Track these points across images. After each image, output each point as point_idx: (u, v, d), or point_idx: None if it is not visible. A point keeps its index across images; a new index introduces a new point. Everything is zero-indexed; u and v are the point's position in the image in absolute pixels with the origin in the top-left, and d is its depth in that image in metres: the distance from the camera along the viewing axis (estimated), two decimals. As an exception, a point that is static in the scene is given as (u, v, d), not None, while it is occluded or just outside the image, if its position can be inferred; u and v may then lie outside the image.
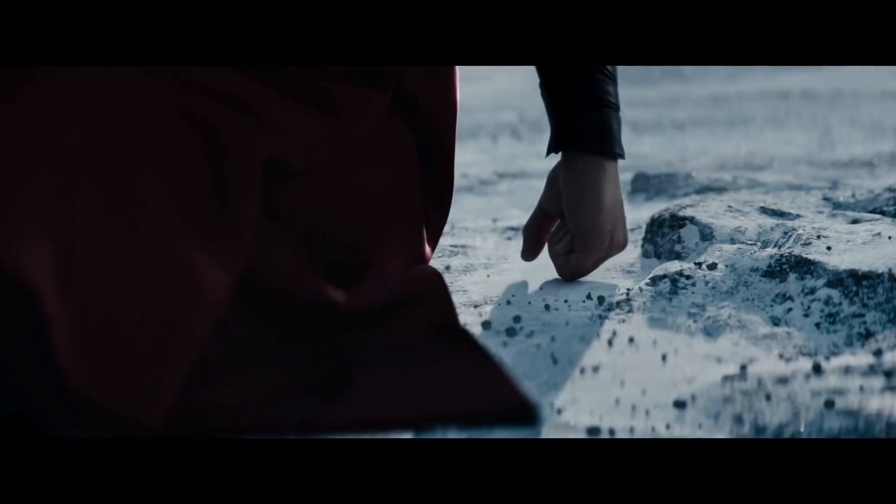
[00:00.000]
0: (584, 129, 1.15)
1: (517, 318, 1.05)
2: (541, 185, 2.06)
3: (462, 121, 3.18)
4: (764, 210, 1.44)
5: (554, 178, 1.21)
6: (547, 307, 1.09)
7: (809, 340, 1.00)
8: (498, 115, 3.64)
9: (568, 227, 1.18)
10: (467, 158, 2.44)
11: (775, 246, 1.26)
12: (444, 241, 1.46)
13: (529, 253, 1.24)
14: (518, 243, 1.52)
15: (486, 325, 1.04)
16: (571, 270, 1.19)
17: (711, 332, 1.02)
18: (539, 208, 1.23)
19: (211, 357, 0.86)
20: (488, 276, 1.29)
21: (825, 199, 1.61)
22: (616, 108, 1.17)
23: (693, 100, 3.91)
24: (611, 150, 1.15)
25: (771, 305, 1.08)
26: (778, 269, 1.13)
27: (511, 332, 1.02)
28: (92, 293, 0.78)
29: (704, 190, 1.82)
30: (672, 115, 3.31)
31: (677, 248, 1.30)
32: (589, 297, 1.13)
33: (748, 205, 1.47)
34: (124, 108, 0.86)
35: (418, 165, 1.12)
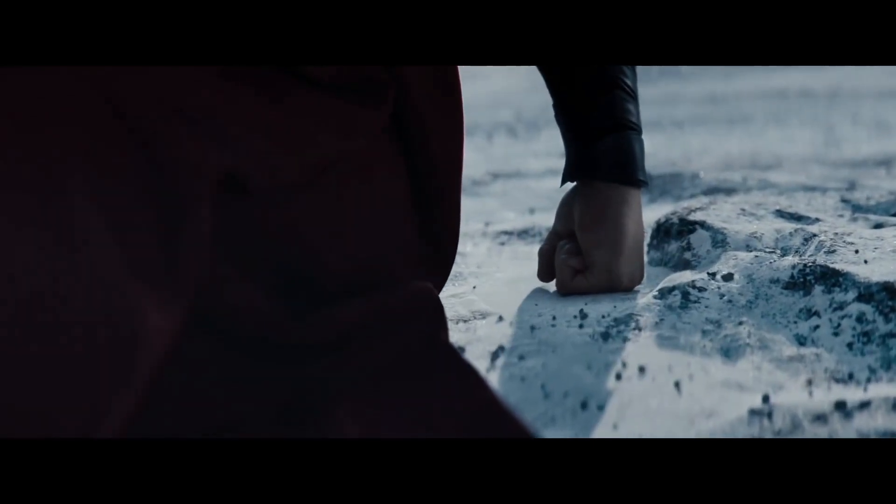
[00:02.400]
0: (602, 154, 1.03)
1: (506, 339, 0.93)
2: (537, 185, 1.94)
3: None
4: (780, 213, 1.32)
5: (568, 207, 1.08)
6: (541, 325, 0.97)
7: (842, 363, 0.88)
8: (494, 113, 3.52)
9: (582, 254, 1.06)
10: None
11: (796, 253, 1.14)
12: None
13: (545, 276, 1.12)
14: (512, 249, 1.39)
15: (460, 350, 0.91)
16: (573, 290, 1.06)
17: (730, 353, 0.90)
18: (554, 233, 1.11)
19: (155, 395, 0.74)
20: (474, 287, 1.16)
21: (843, 200, 1.50)
22: (638, 129, 1.05)
23: (691, 98, 3.80)
24: (633, 177, 1.03)
25: (795, 322, 0.96)
26: (801, 281, 1.01)
27: (496, 355, 0.89)
28: (5, 332, 0.65)
29: (712, 191, 1.70)
30: (670, 114, 3.20)
31: (687, 255, 1.18)
32: (587, 313, 1.00)
33: (762, 207, 1.35)
34: (52, 116, 0.72)
35: (409, 193, 0.96)
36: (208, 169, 0.77)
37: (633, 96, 1.05)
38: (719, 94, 3.94)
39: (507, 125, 3.12)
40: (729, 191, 1.67)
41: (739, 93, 3.98)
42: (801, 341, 0.93)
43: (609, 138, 1.03)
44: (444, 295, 1.11)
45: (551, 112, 1.10)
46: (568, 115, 1.06)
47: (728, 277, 1.04)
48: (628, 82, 1.04)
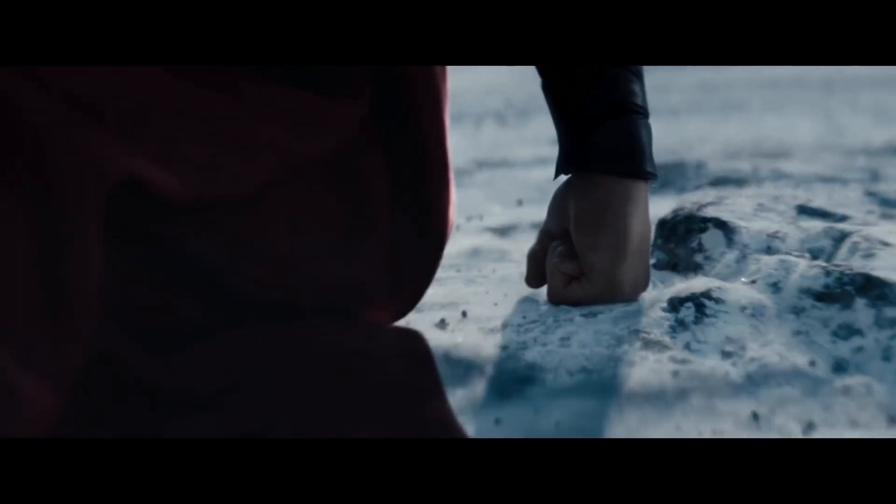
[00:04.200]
0: (602, 142, 0.86)
1: (473, 366, 0.77)
2: (526, 176, 1.78)
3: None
4: (803, 209, 1.16)
5: (561, 202, 0.92)
6: (523, 345, 0.81)
7: (896, 397, 0.72)
8: (483, 99, 3.36)
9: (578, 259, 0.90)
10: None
11: (826, 257, 0.98)
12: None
13: (535, 282, 0.96)
14: (497, 248, 1.23)
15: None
16: (566, 299, 0.90)
17: (758, 381, 0.74)
18: (545, 233, 0.95)
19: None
20: (448, 291, 1.00)
21: (869, 193, 1.34)
22: (644, 113, 0.88)
23: (682, 86, 3.67)
24: (640, 169, 0.86)
25: (833, 341, 0.80)
26: (838, 291, 0.85)
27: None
28: None
29: (721, 182, 1.53)
30: (663, 101, 3.05)
31: (698, 258, 1.02)
32: (582, 321, 0.84)
33: (780, 202, 1.19)
34: None
35: (386, 198, 0.78)
36: (107, 178, 0.59)
37: (638, 74, 0.89)
38: (710, 82, 3.81)
39: (496, 112, 2.96)
40: (739, 182, 1.51)
41: (731, 81, 3.84)
42: (842, 366, 0.77)
43: (610, 123, 0.86)
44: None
45: (542, 96, 0.93)
46: (560, 97, 0.89)
47: (750, 285, 0.88)
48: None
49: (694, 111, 2.89)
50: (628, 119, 0.87)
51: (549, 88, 0.90)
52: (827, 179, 1.51)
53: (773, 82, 3.77)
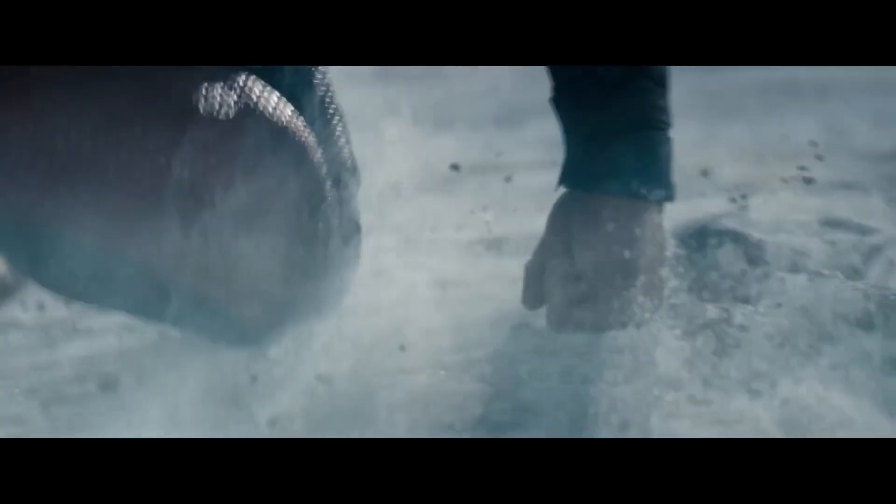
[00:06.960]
0: (618, 161, 0.81)
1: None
2: (523, 181, 1.69)
3: (438, 104, 2.83)
4: (825, 221, 1.07)
5: (563, 217, 0.84)
6: (517, 380, 0.72)
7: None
8: (478, 96, 3.30)
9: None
10: (430, 144, 2.06)
11: (858, 276, 0.89)
12: (381, 257, 1.07)
13: (532, 303, 0.86)
14: (489, 262, 1.14)
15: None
16: (568, 326, 0.80)
17: (794, 430, 0.64)
18: (544, 246, 0.86)
19: None
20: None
21: (894, 203, 1.24)
22: (665, 127, 0.82)
23: (676, 91, 3.62)
24: (657, 193, 0.80)
25: (879, 378, 0.72)
26: (879, 317, 0.77)
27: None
28: None
29: (732, 190, 1.44)
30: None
31: (713, 276, 0.92)
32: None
33: (800, 211, 1.11)
34: None
35: None
36: None
37: (662, 84, 0.84)
38: (701, 88, 3.78)
39: (494, 111, 2.88)
40: (751, 189, 1.42)
41: (724, 83, 3.81)
42: (893, 410, 0.67)
43: (628, 140, 0.81)
44: (391, 319, 0.84)
45: (542, 98, 0.85)
46: (573, 109, 0.83)
47: (775, 309, 0.79)
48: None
49: (690, 115, 2.83)
50: (648, 136, 0.81)
51: (560, 99, 0.84)
52: (846, 187, 1.43)
53: (765, 85, 3.73)
